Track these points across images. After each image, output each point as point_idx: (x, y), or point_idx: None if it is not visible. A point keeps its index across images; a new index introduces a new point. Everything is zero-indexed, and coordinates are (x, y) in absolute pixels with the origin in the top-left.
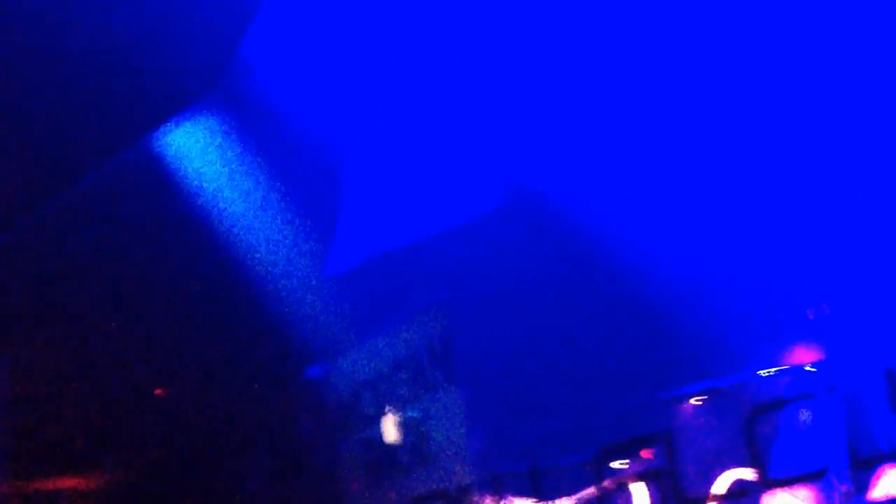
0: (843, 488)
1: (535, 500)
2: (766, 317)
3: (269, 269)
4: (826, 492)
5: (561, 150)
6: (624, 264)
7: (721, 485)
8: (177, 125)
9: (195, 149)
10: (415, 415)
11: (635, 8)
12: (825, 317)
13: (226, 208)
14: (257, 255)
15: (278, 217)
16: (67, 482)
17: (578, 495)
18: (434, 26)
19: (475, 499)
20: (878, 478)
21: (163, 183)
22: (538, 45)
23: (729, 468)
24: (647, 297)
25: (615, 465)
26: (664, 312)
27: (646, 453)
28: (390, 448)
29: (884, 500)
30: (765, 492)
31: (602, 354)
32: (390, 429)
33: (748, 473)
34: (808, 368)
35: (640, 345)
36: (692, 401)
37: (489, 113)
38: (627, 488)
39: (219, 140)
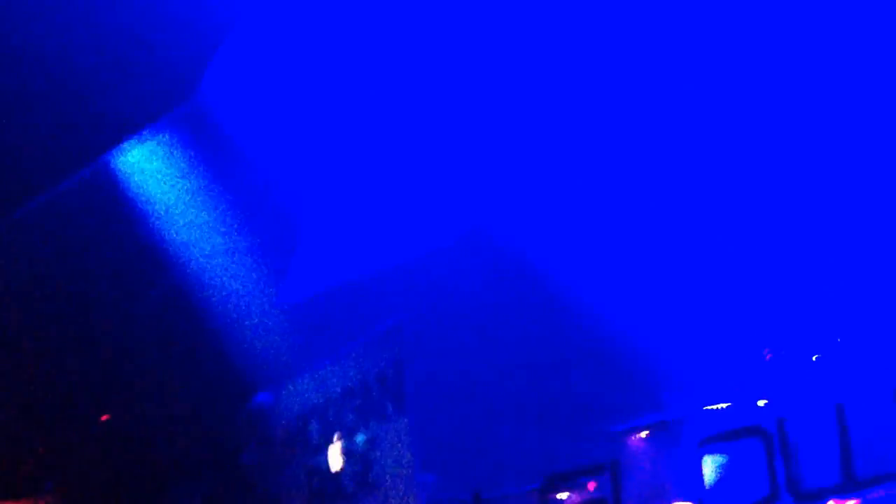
0: None
1: None
2: (713, 354)
3: (221, 294)
4: None
5: (516, 189)
6: (575, 300)
7: None
8: (135, 146)
9: (153, 171)
10: (362, 442)
11: (585, 58)
12: (770, 357)
13: (180, 232)
14: (209, 280)
15: (232, 243)
16: None
17: None
18: (396, 63)
19: None
20: None
21: (118, 204)
22: (493, 91)
23: (673, 500)
24: (597, 330)
25: (560, 494)
26: (613, 347)
27: (590, 484)
28: (336, 476)
29: None
30: None
31: (551, 386)
32: (336, 456)
33: None
34: (752, 403)
35: (589, 377)
36: (639, 434)
37: (447, 154)
38: None
39: (177, 163)
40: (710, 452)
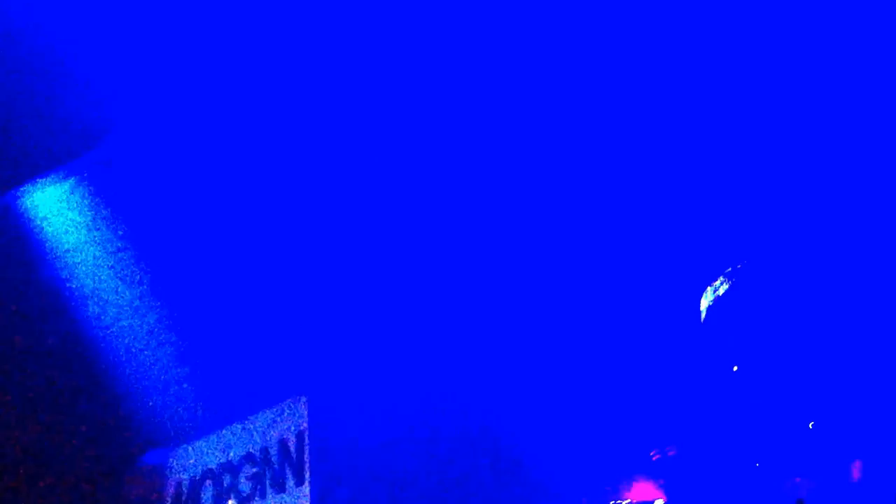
0: None
1: None
2: (612, 458)
3: (120, 347)
4: None
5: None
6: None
7: None
8: (39, 188)
9: (58, 213)
10: None
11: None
12: (668, 458)
13: (82, 279)
14: (108, 332)
15: (136, 295)
16: None
17: None
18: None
19: None
20: None
21: (19, 246)
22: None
23: None
24: (502, 429)
25: None
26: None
27: None
28: None
29: None
30: None
31: (458, 475)
32: None
33: None
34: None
35: (495, 472)
36: None
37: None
38: None
39: (86, 208)
40: None
